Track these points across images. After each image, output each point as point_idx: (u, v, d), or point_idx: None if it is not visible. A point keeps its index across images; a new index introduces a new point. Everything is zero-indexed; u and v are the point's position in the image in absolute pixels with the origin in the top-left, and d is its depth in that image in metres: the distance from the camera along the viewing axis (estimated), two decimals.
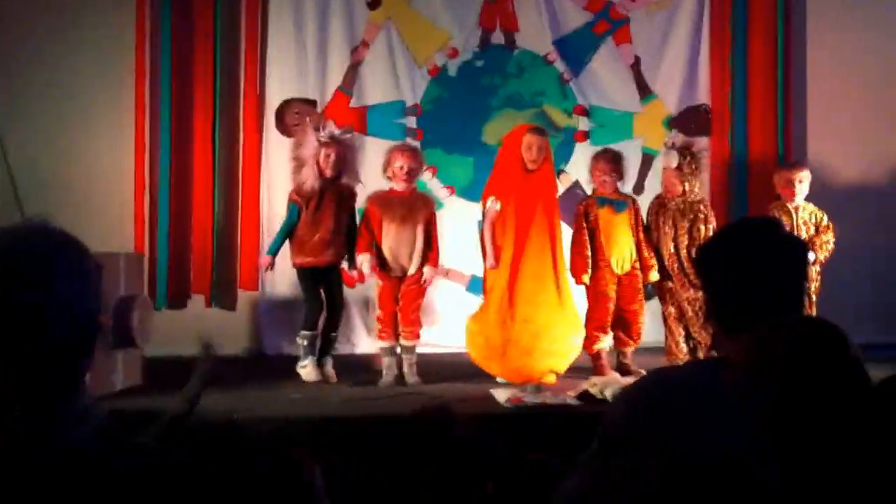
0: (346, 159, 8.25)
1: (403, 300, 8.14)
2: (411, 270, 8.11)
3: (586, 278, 8.23)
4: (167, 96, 9.88)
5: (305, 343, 8.10)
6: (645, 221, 8.50)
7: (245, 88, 10.15)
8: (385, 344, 8.18)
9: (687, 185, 8.33)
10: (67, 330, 1.99)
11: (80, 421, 2.00)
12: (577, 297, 8.29)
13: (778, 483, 2.19)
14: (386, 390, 7.71)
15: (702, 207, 8.40)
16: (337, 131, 8.32)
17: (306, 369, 8.01)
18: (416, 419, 4.25)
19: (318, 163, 8.07)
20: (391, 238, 8.09)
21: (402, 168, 8.13)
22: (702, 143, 8.86)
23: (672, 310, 8.36)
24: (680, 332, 8.35)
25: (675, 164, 8.32)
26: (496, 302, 7.94)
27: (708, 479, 2.38)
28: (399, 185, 8.17)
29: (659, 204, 8.48)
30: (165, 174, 9.86)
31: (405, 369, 8.09)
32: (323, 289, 8.22)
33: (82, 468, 1.91)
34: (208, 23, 10.03)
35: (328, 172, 8.09)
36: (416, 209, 8.16)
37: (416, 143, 9.98)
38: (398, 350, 8.19)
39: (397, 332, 8.15)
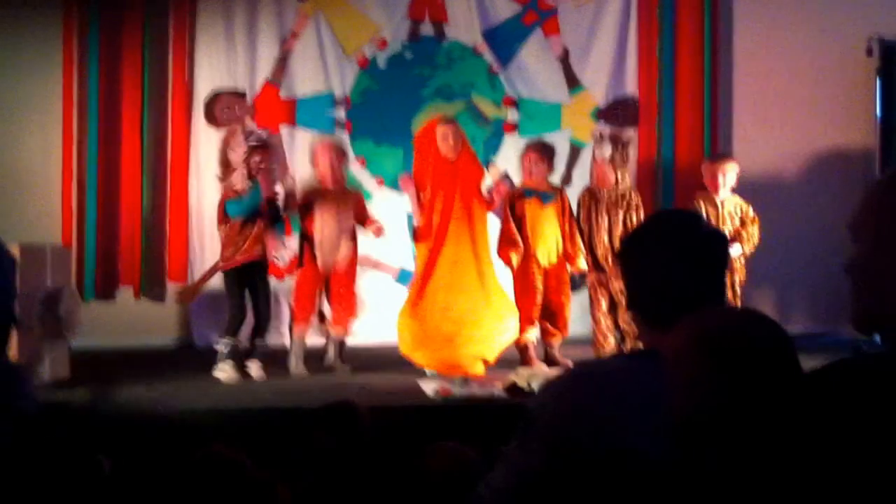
0: (273, 162, 8.41)
1: (335, 287, 8.22)
2: (340, 256, 8.15)
3: (515, 258, 8.19)
4: (95, 88, 9.82)
5: (227, 350, 8.07)
6: (575, 212, 8.52)
7: (174, 80, 10.11)
8: (298, 335, 8.21)
9: (619, 174, 8.37)
10: None
11: None
12: (506, 285, 8.29)
13: (688, 481, 2.21)
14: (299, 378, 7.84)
15: (632, 196, 8.44)
16: (263, 135, 8.43)
17: (225, 373, 7.97)
18: (323, 413, 4.25)
19: (248, 166, 8.12)
20: (325, 229, 8.12)
21: (328, 165, 8.21)
22: (629, 133, 8.88)
23: (603, 301, 8.38)
24: (608, 325, 8.38)
25: (608, 155, 8.35)
26: (416, 293, 7.97)
27: (617, 474, 2.41)
28: (328, 179, 8.22)
29: (590, 195, 8.48)
30: (93, 166, 9.80)
31: (331, 356, 8.22)
32: (248, 290, 8.21)
33: None
34: (137, 13, 9.99)
35: (257, 175, 8.12)
36: (346, 201, 8.24)
37: (345, 136, 10.03)
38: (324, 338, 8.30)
39: (312, 322, 8.25)
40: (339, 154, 8.38)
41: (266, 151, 8.29)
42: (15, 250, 6.26)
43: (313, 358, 8.20)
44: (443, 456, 4.02)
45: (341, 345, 8.28)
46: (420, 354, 7.90)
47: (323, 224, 8.12)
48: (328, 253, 8.11)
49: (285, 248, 8.43)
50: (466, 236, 7.97)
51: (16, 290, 2.11)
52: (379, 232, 8.33)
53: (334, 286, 8.22)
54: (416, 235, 8.29)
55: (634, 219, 8.24)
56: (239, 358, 7.98)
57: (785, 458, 2.04)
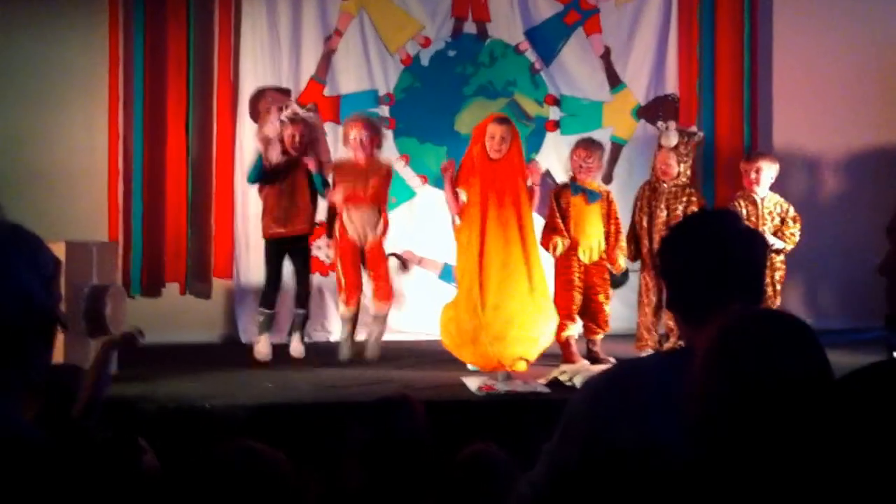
0: (310, 137, 8.43)
1: (372, 267, 8.28)
2: (370, 237, 8.22)
3: (560, 246, 8.19)
4: (140, 85, 9.85)
5: (262, 319, 8.25)
6: (632, 206, 8.59)
7: (219, 77, 10.14)
8: (350, 312, 8.26)
9: (682, 166, 8.36)
10: (20, 321, 2.00)
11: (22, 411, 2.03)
12: (550, 287, 8.27)
13: (722, 482, 2.21)
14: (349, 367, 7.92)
15: (693, 192, 8.45)
16: (300, 110, 8.38)
17: (257, 349, 8.09)
18: (377, 408, 4.23)
19: (282, 141, 8.21)
20: (353, 205, 8.19)
21: (355, 138, 8.25)
22: (695, 129, 8.82)
23: (653, 298, 8.36)
24: (652, 321, 8.38)
25: (673, 143, 8.34)
26: (466, 289, 7.94)
27: (651, 472, 2.42)
28: (358, 155, 8.25)
29: (650, 188, 8.50)
30: (139, 163, 9.84)
31: (371, 341, 8.23)
32: (290, 262, 8.34)
33: (16, 457, 1.91)
34: (182, 11, 10.00)
35: (293, 151, 8.24)
36: (371, 175, 8.26)
37: (389, 133, 10.07)
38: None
39: (360, 299, 8.27)
40: (370, 129, 8.35)
41: (301, 125, 8.32)
42: (61, 247, 6.39)
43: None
44: (471, 458, 4.02)
45: (381, 324, 8.32)
46: (467, 351, 7.91)
47: (352, 199, 8.17)
48: (360, 227, 8.14)
49: (329, 247, 8.42)
50: (517, 238, 7.94)
51: (60, 293, 2.12)
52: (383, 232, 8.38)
53: (370, 262, 8.26)
54: (456, 229, 8.28)
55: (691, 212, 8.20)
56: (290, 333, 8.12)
57: (809, 459, 2.04)
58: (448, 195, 8.21)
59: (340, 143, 9.08)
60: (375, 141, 8.35)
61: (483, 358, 7.79)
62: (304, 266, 8.46)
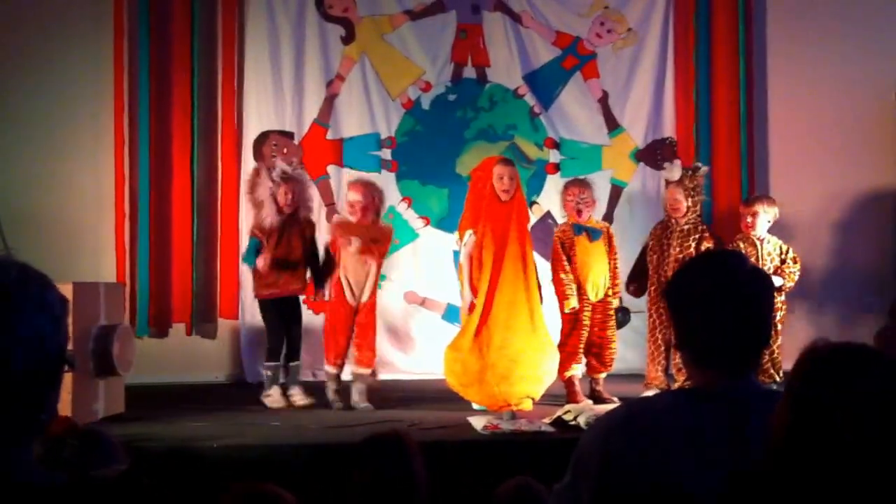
0: (302, 194, 8.30)
1: (360, 329, 8.09)
2: (364, 298, 8.06)
3: (574, 301, 8.12)
4: (146, 129, 9.79)
5: (270, 374, 8.13)
6: (642, 244, 8.55)
7: (223, 120, 10.10)
8: (335, 370, 8.10)
9: (690, 201, 8.28)
10: (31, 364, 1.93)
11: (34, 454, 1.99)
12: (550, 324, 8.16)
13: None
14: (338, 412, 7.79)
15: (705, 228, 8.40)
16: (288, 168, 8.28)
17: (271, 398, 7.99)
18: (368, 447, 4.10)
19: (276, 201, 8.06)
20: (351, 265, 8.02)
21: (350, 204, 8.14)
22: (699, 164, 8.75)
23: (658, 336, 8.25)
24: (661, 361, 8.25)
25: (676, 176, 8.28)
26: (472, 329, 7.82)
27: None
28: (355, 219, 8.11)
29: (662, 227, 8.43)
30: (145, 205, 9.76)
31: (355, 396, 8.02)
32: (284, 319, 8.20)
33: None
34: (186, 56, 9.96)
35: (287, 209, 8.12)
36: (376, 239, 8.11)
37: (391, 175, 10.07)
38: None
39: (344, 360, 8.13)
40: (370, 191, 8.21)
41: (293, 183, 8.18)
42: (69, 288, 6.25)
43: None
44: (515, 490, 3.95)
45: (365, 381, 8.13)
46: (473, 391, 7.79)
47: (350, 260, 8.03)
48: (355, 288, 8.00)
49: (327, 289, 8.28)
50: (521, 277, 7.84)
51: (67, 333, 2.03)
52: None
53: (359, 328, 8.11)
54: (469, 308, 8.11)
55: (704, 249, 8.12)
56: (283, 384, 7.98)
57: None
58: (465, 270, 8.04)
59: (340, 188, 9.03)
60: (371, 207, 8.17)
61: (490, 398, 7.67)
62: (297, 322, 8.32)
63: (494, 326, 7.74)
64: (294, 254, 8.13)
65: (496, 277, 7.81)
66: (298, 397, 8.02)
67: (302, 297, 8.39)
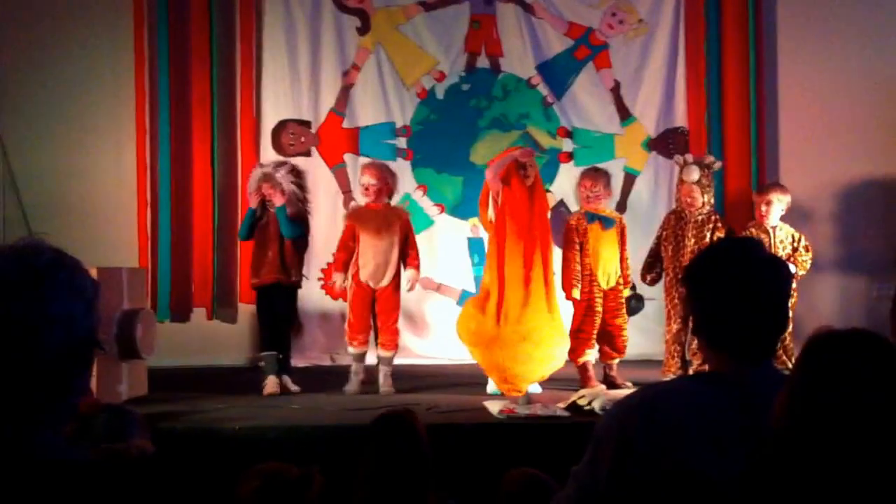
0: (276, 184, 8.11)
1: (381, 312, 8.05)
2: (385, 282, 8.00)
3: (576, 293, 8.12)
4: (166, 119, 9.86)
5: (263, 364, 8.06)
6: (656, 234, 8.50)
7: (241, 110, 10.14)
8: (355, 350, 8.07)
9: (706, 196, 8.27)
10: (63, 345, 1.96)
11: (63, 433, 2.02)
12: (564, 310, 8.18)
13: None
14: (353, 395, 7.78)
15: (718, 218, 8.37)
16: (269, 167, 8.24)
17: (268, 385, 7.88)
18: (377, 426, 4.11)
19: (262, 195, 8.07)
20: (368, 250, 7.99)
21: (365, 187, 8.09)
22: (712, 158, 8.70)
23: (674, 326, 8.24)
24: (677, 350, 8.23)
25: (695, 179, 8.24)
26: (494, 299, 7.84)
27: (680, 496, 2.42)
28: (369, 200, 8.10)
29: (676, 217, 8.40)
30: (166, 192, 9.83)
31: (380, 379, 8.01)
32: (275, 308, 8.17)
33: (61, 480, 1.88)
34: (205, 47, 10.02)
35: (274, 202, 8.03)
36: (390, 222, 8.05)
37: (406, 164, 10.10)
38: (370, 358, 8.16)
39: (368, 340, 8.09)
40: (384, 174, 8.17)
41: (269, 178, 8.07)
42: (94, 273, 6.26)
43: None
44: (518, 481, 3.94)
45: (387, 364, 8.10)
46: (478, 352, 7.87)
47: (366, 246, 8.01)
48: (372, 274, 7.98)
49: (344, 277, 8.21)
50: (539, 261, 7.87)
51: (99, 317, 2.06)
52: (411, 287, 8.17)
53: (380, 310, 8.06)
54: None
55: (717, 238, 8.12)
56: (278, 373, 7.94)
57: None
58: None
59: (356, 176, 9.03)
60: (385, 190, 8.15)
61: (492, 366, 7.77)
62: (286, 311, 8.25)
63: (511, 303, 7.77)
64: (276, 244, 8.04)
65: (516, 258, 7.82)
66: (289, 385, 7.98)
67: (299, 289, 8.38)
